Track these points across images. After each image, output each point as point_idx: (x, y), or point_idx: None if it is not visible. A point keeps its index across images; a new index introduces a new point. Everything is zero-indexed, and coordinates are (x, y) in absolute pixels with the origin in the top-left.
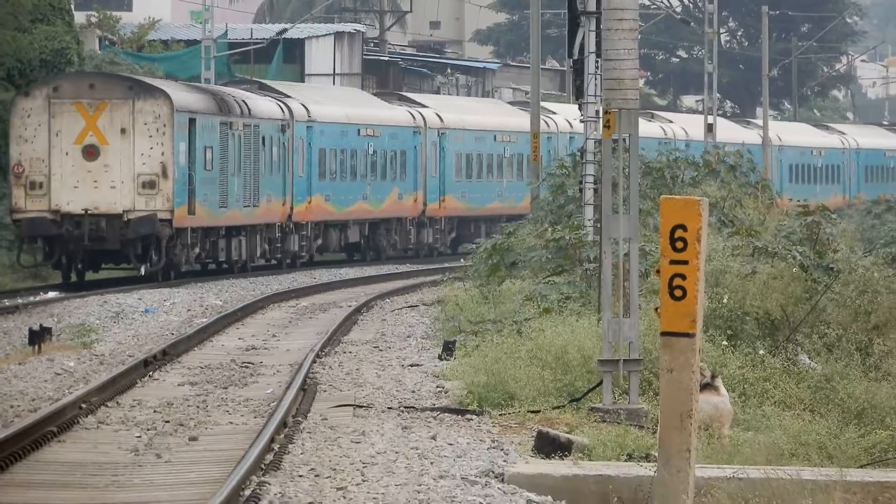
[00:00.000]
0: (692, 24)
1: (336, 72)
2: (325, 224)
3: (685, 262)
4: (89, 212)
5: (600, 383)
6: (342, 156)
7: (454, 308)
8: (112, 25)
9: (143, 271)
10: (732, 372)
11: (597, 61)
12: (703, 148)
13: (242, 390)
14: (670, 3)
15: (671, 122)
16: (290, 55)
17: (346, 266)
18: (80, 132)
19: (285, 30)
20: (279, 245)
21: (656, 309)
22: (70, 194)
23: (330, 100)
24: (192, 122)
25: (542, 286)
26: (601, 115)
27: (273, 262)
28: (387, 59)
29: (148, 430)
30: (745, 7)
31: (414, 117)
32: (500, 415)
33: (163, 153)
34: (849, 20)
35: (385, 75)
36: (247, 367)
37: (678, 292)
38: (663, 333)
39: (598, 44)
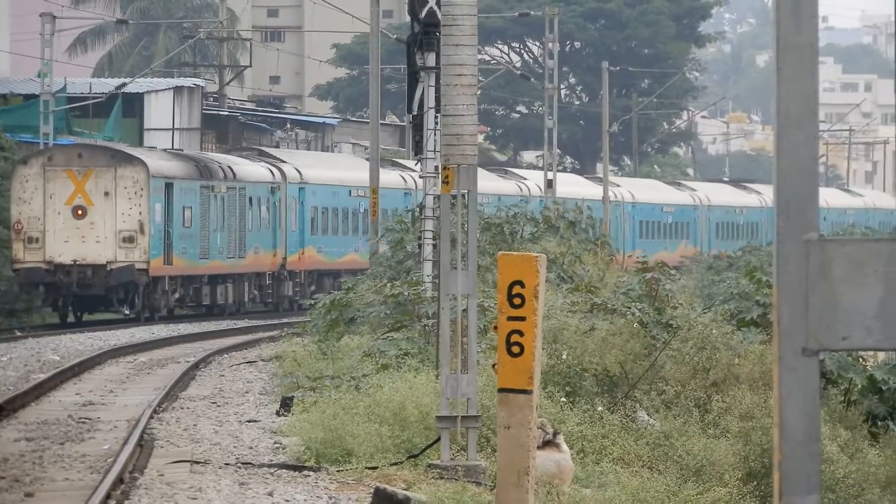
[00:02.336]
0: (532, 79)
1: (175, 126)
2: (318, 272)
3: (523, 319)
4: (78, 262)
5: (438, 440)
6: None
7: (292, 364)
8: None
9: (126, 312)
10: (571, 428)
11: (436, 117)
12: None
13: (79, 446)
14: (510, 59)
15: (525, 178)
16: (130, 109)
17: (184, 322)
18: (70, 195)
19: (124, 84)
20: (270, 291)
21: (493, 365)
22: (62, 247)
23: (321, 164)
24: (168, 185)
25: (381, 342)
26: (440, 170)
27: (267, 305)
28: (226, 113)
29: None
30: (586, 63)
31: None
32: (337, 471)
33: (140, 212)
34: (689, 76)
35: (224, 130)
36: (84, 422)
37: (516, 349)
38: (500, 390)
39: (438, 99)
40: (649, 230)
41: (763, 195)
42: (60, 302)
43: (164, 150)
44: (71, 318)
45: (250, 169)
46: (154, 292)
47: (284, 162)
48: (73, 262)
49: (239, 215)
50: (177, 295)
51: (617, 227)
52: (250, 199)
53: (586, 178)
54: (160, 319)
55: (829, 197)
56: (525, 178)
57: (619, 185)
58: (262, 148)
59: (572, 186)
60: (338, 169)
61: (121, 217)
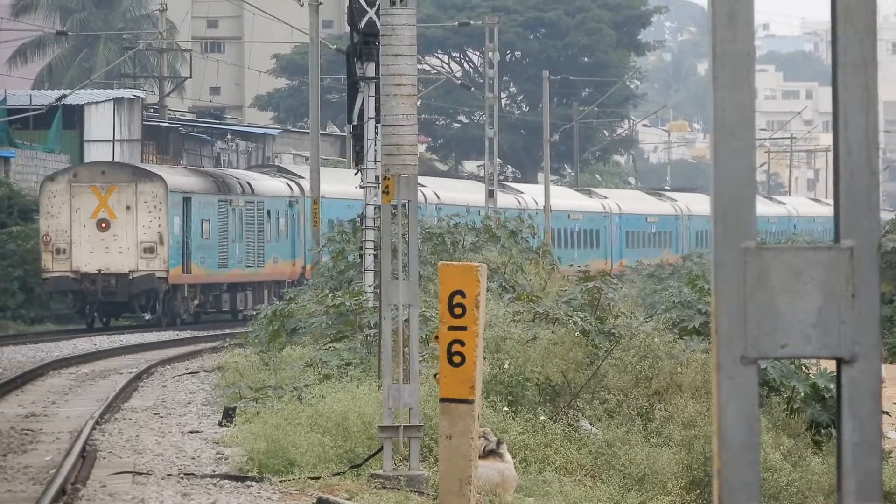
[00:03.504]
0: (473, 89)
1: (116, 138)
2: None
3: (464, 328)
4: (102, 271)
5: (380, 450)
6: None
7: (234, 374)
8: None
9: (148, 317)
10: (513, 438)
11: (376, 127)
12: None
13: (21, 457)
14: (451, 69)
15: (521, 192)
16: (70, 121)
17: (126, 332)
18: (94, 209)
19: (65, 96)
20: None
21: (435, 375)
22: (87, 258)
23: (336, 180)
24: (186, 199)
25: (323, 352)
26: (380, 180)
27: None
28: (167, 124)
29: None
30: (526, 72)
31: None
32: (280, 481)
33: (159, 225)
34: (630, 84)
35: (165, 141)
36: (26, 434)
37: (457, 358)
38: (442, 399)
39: (378, 109)
40: (636, 239)
41: None
42: (87, 308)
43: (185, 166)
44: (98, 324)
45: (268, 184)
46: (174, 299)
47: (302, 178)
48: (97, 272)
49: (257, 227)
50: (196, 301)
51: (606, 238)
52: (268, 212)
53: (577, 190)
54: (183, 324)
55: None
56: (522, 192)
57: (605, 198)
58: (282, 165)
59: (565, 199)
60: (349, 184)
61: (141, 229)
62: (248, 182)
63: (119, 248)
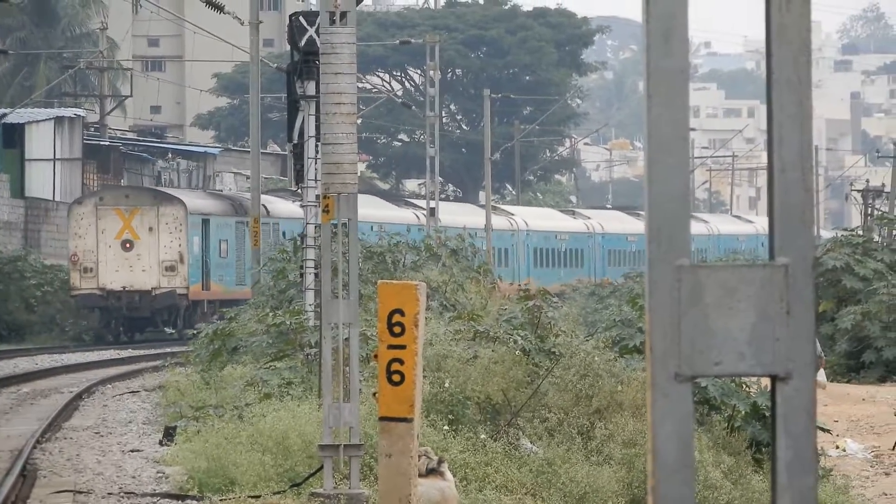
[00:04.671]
0: (413, 107)
1: (57, 156)
2: None
3: (403, 347)
4: (126, 288)
5: (321, 468)
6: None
7: (175, 393)
8: None
9: (170, 331)
10: (454, 456)
11: (316, 145)
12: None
13: None
14: (392, 87)
15: (513, 214)
16: (10, 140)
17: (67, 352)
18: (119, 230)
19: (5, 114)
20: None
21: (374, 394)
22: (112, 276)
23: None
24: (205, 221)
25: (264, 371)
26: (321, 199)
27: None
28: (107, 143)
29: None
30: (467, 90)
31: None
32: (220, 500)
33: (180, 245)
34: (571, 103)
35: (106, 160)
36: None
37: (396, 377)
38: (381, 418)
39: (318, 128)
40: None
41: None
42: (112, 323)
43: (203, 190)
44: (123, 339)
45: (282, 206)
46: (194, 314)
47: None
48: (122, 289)
49: (273, 247)
50: (216, 316)
51: (589, 257)
52: (283, 232)
53: (562, 211)
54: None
55: None
56: (513, 214)
57: (589, 217)
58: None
59: (549, 220)
60: (362, 207)
61: (163, 249)
62: (263, 205)
63: (142, 266)
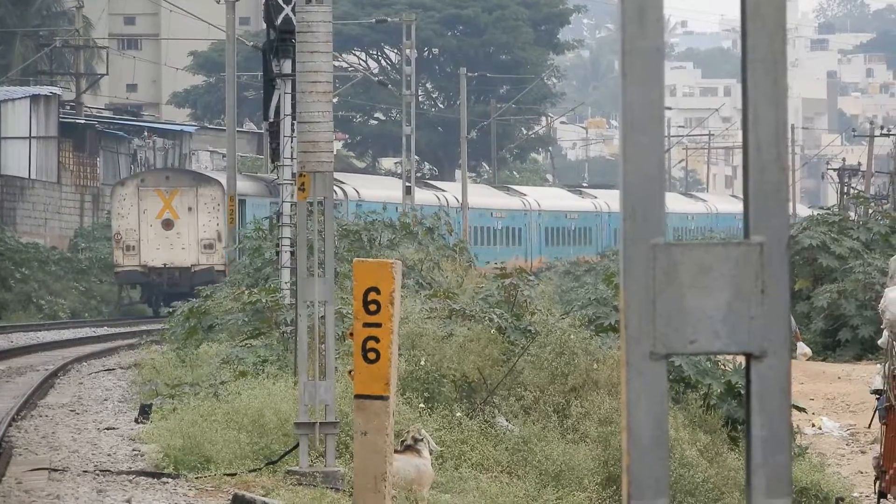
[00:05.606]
0: (390, 86)
1: (32, 135)
2: None
3: (378, 325)
4: (167, 265)
5: (296, 446)
6: None
7: (151, 371)
8: None
9: None
10: (430, 434)
11: (292, 124)
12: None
13: None
14: (368, 66)
15: (525, 195)
16: None
17: (43, 330)
18: (160, 210)
19: None
20: None
21: (350, 371)
22: (153, 253)
23: (374, 185)
24: (241, 202)
25: (239, 349)
26: (296, 177)
27: None
28: (83, 121)
29: None
30: (444, 69)
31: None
32: (196, 478)
33: (217, 224)
34: (547, 82)
35: (82, 138)
36: None
37: (372, 355)
38: (357, 396)
39: (294, 106)
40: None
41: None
42: (153, 298)
43: (240, 172)
44: (164, 312)
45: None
46: None
47: (345, 183)
48: (163, 266)
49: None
50: None
51: (597, 234)
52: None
53: (569, 190)
54: None
55: None
56: (525, 195)
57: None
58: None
59: (559, 200)
60: (384, 188)
61: (202, 228)
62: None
63: (182, 244)
